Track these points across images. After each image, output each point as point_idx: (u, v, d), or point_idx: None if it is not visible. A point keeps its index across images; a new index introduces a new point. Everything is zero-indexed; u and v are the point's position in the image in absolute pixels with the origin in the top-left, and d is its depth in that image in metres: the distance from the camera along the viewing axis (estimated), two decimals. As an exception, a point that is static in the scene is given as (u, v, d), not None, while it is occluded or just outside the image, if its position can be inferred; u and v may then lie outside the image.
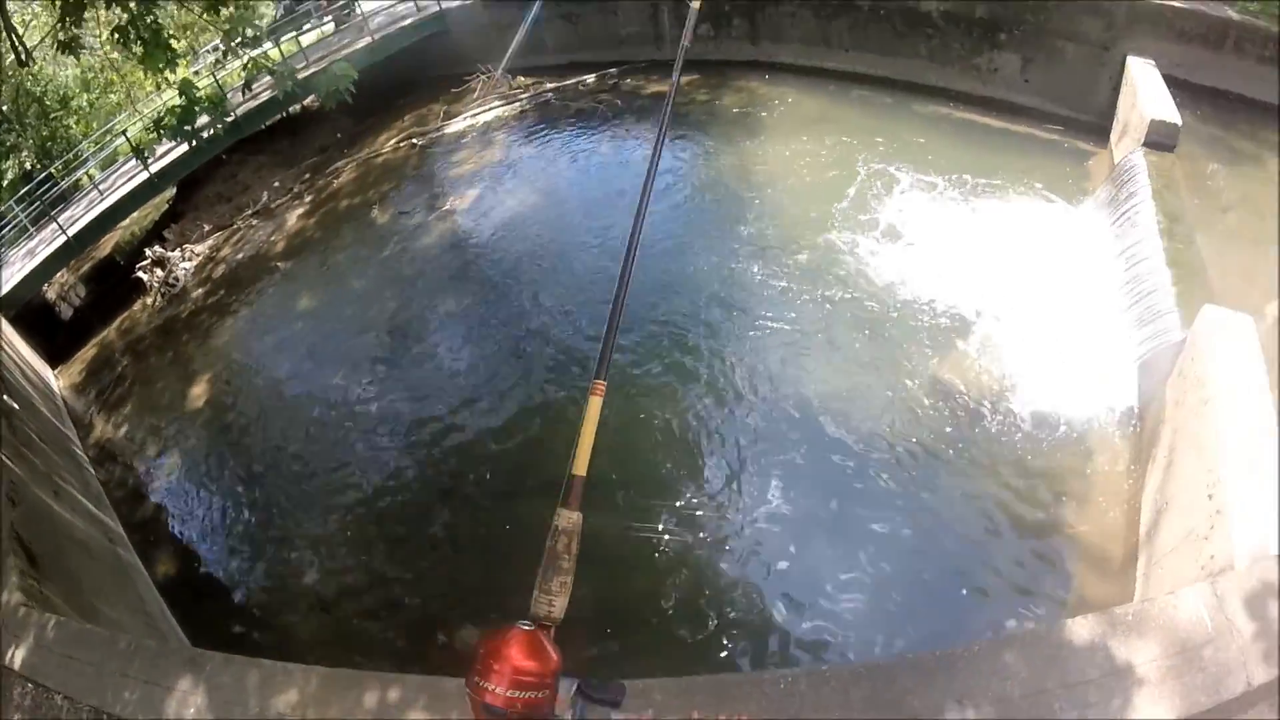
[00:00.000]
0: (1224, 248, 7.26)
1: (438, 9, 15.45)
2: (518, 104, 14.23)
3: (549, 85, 14.38)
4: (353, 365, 9.16)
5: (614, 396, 7.31)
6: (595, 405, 1.91)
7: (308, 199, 13.67)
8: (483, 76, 14.75)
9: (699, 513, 6.29)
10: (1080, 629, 3.32)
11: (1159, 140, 7.97)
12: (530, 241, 10.21)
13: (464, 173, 12.57)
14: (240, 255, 12.72)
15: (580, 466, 1.84)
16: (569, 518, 1.79)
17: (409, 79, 15.64)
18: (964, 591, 5.46)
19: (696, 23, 2.87)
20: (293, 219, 13.20)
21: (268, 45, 16.21)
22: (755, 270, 8.48)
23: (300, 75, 12.87)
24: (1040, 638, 3.39)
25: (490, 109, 14.36)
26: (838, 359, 7.23)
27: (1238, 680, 3.10)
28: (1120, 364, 6.41)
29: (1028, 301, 7.30)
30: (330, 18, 18.91)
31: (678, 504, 6.35)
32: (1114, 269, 7.10)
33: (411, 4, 15.94)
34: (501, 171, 12.18)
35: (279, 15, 23.66)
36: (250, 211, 13.96)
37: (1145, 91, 8.62)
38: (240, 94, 11.75)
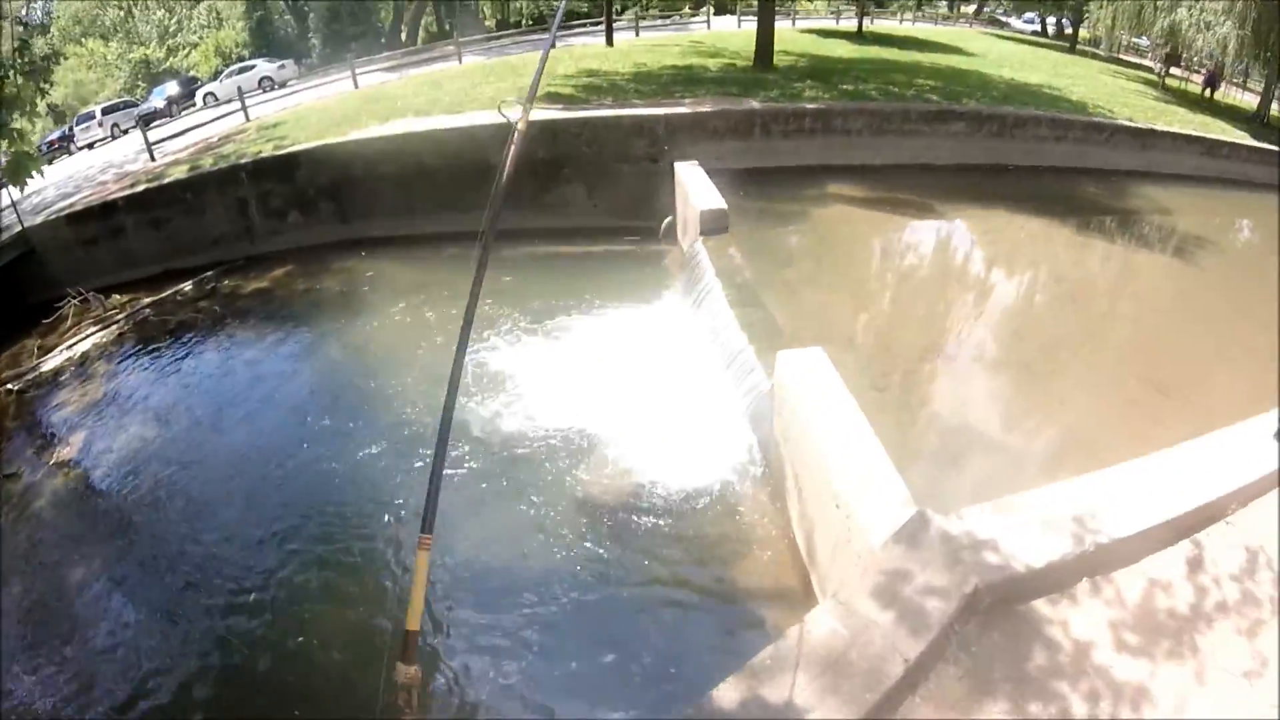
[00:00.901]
0: (790, 297, 8.27)
1: (20, 228, 13.79)
2: (115, 326, 12.89)
3: (146, 300, 13.25)
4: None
5: (269, 619, 6.55)
6: (423, 559, 2.01)
7: (-107, 479, 11.24)
8: (74, 301, 13.30)
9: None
10: (729, 692, 3.29)
11: (712, 227, 8.97)
12: (155, 474, 9.06)
13: (68, 414, 11.05)
14: None
15: (413, 621, 1.89)
16: (407, 672, 1.80)
17: (-1, 313, 13.69)
18: (673, 670, 5.44)
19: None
20: (-117, 511, 10.73)
21: None
22: (379, 452, 8.08)
23: None
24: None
25: (87, 336, 12.86)
26: (487, 515, 7.00)
27: (894, 664, 3.24)
28: (733, 423, 6.89)
29: (642, 397, 7.64)
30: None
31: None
32: (705, 344, 7.68)
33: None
34: (107, 406, 10.86)
35: None
36: None
37: (694, 189, 9.68)
38: None
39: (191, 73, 38.61)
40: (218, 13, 46.94)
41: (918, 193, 12.88)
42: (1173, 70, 30.06)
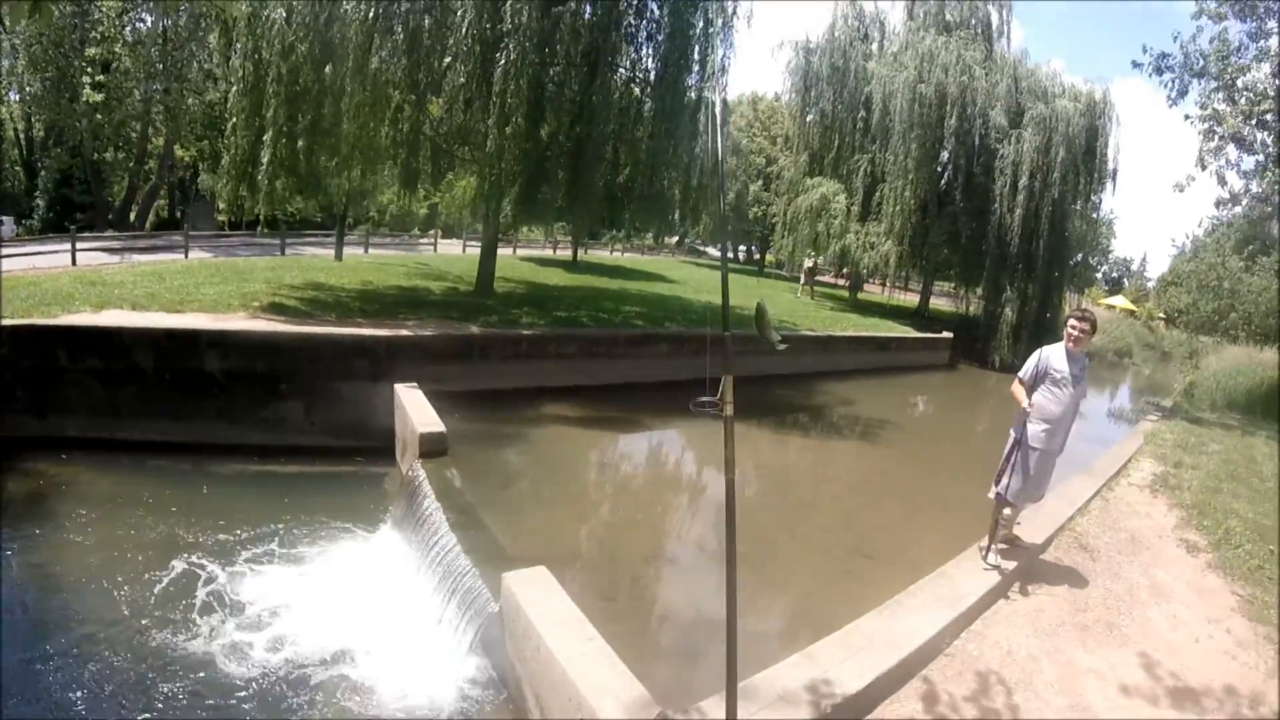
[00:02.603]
0: (513, 517, 8.45)
1: None
2: None
3: None
4: None
5: None
6: None
7: None
8: None
9: None
10: None
11: (432, 449, 8.98)
12: None
13: None
14: None
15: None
16: None
17: None
18: None
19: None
20: None
21: None
22: (74, 698, 6.88)
23: None
24: None
25: None
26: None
27: None
28: (466, 649, 6.66)
29: (367, 628, 7.21)
30: None
31: None
32: (428, 568, 7.51)
33: None
34: None
35: None
36: None
37: (413, 411, 9.72)
38: None
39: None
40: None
41: (629, 409, 14.00)
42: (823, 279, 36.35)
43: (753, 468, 12.89)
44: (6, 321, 11.55)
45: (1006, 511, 6.85)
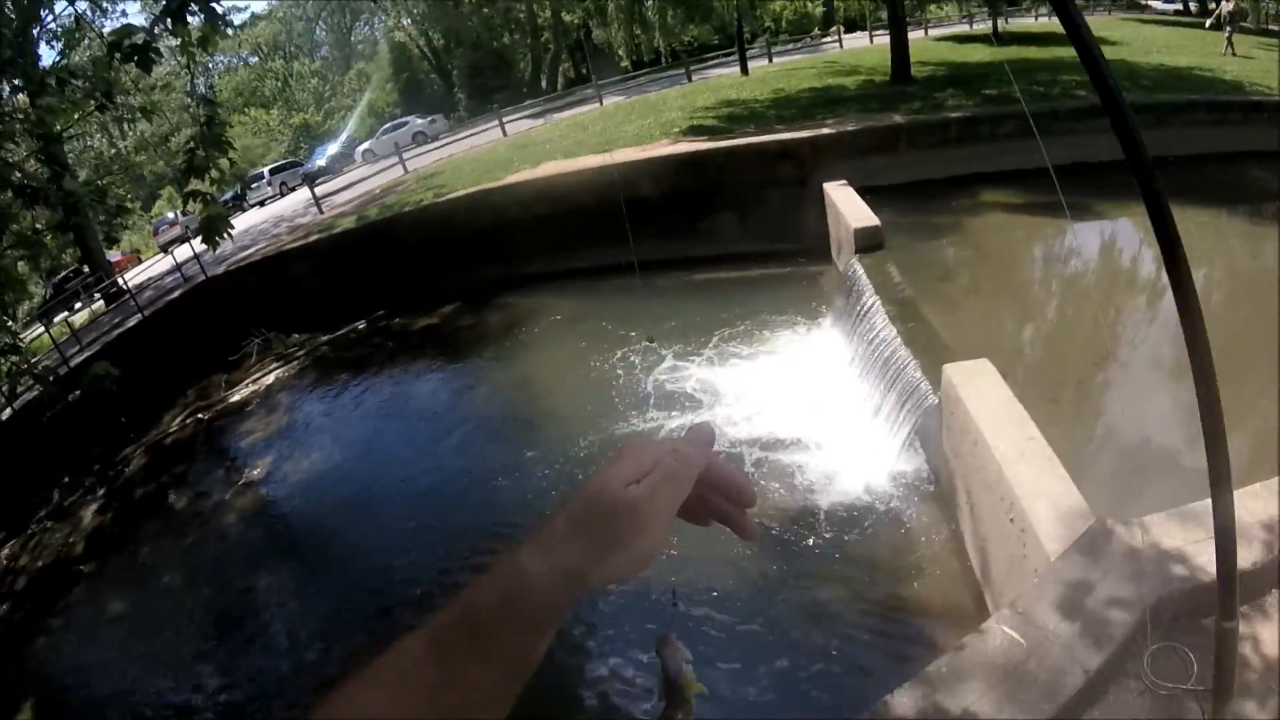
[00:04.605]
0: (952, 311, 8.24)
1: (204, 277, 15.37)
2: (295, 362, 14.14)
3: (323, 338, 14.49)
4: (180, 665, 7.90)
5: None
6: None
7: (101, 492, 12.45)
8: (257, 340, 14.62)
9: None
10: (904, 698, 3.23)
11: (868, 244, 9.00)
12: (334, 496, 9.81)
13: (255, 441, 12.09)
14: (40, 562, 11.16)
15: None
16: None
17: (187, 351, 14.83)
18: (846, 678, 5.46)
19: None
20: (89, 516, 11.88)
21: (38, 330, 15.64)
22: (548, 474, 8.41)
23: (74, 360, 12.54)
24: (868, 728, 3.26)
25: (270, 371, 14.16)
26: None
27: (1074, 676, 3.13)
28: (900, 440, 6.87)
29: (809, 415, 7.76)
30: (99, 296, 18.50)
31: None
32: (867, 361, 7.77)
33: (178, 275, 16.00)
34: (291, 433, 11.86)
35: (49, 296, 23.01)
36: (43, 513, 12.43)
37: (845, 208, 9.78)
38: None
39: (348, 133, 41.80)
40: (366, 76, 50.81)
41: (1074, 194, 12.36)
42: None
43: (1222, 268, 11.10)
44: (462, 192, 13.92)
45: None
